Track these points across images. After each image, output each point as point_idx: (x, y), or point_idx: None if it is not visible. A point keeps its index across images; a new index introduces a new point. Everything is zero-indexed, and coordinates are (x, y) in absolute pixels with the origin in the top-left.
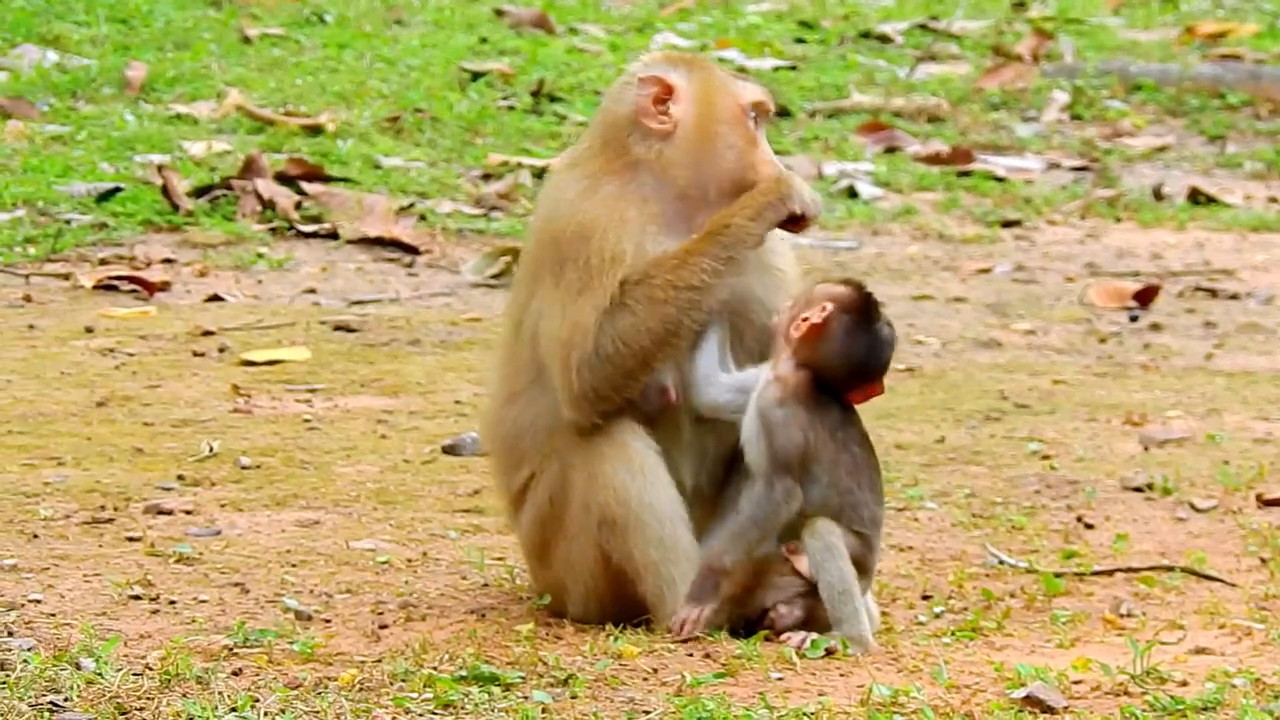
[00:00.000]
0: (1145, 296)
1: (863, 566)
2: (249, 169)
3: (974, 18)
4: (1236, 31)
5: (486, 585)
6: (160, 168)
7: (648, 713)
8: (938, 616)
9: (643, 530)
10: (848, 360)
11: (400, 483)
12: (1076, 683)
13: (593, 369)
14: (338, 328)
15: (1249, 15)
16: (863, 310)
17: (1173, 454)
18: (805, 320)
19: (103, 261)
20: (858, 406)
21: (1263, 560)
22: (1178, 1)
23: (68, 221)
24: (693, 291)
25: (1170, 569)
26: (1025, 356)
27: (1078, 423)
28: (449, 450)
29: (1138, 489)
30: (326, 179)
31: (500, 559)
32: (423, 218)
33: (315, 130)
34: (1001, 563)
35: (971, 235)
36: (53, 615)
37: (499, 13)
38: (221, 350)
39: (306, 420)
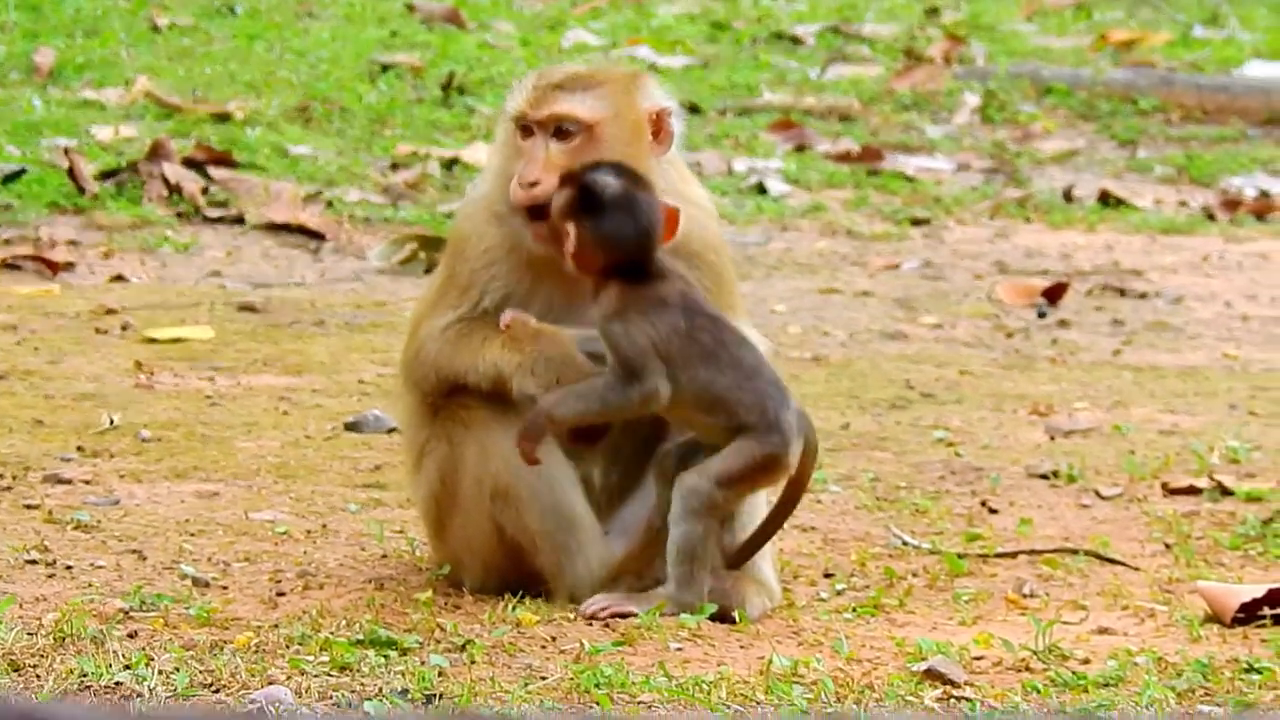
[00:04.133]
0: (1054, 294)
1: (776, 463)
2: (156, 153)
3: (886, 22)
4: (1149, 40)
5: (385, 556)
6: (66, 150)
7: (545, 678)
8: (840, 594)
9: (535, 500)
10: (624, 246)
11: (302, 457)
12: (978, 658)
13: (410, 368)
14: (242, 308)
15: (1161, 25)
16: (592, 200)
17: (1078, 444)
18: (569, 251)
19: (6, 242)
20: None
21: (1167, 546)
22: (1090, 10)
23: None
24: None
25: (1074, 552)
26: (932, 349)
27: (984, 412)
28: (351, 427)
29: (1043, 476)
30: (234, 165)
31: (400, 532)
32: (330, 205)
33: (223, 118)
34: (904, 544)
35: (880, 232)
36: None
37: (410, 7)
38: (124, 328)
39: (208, 396)
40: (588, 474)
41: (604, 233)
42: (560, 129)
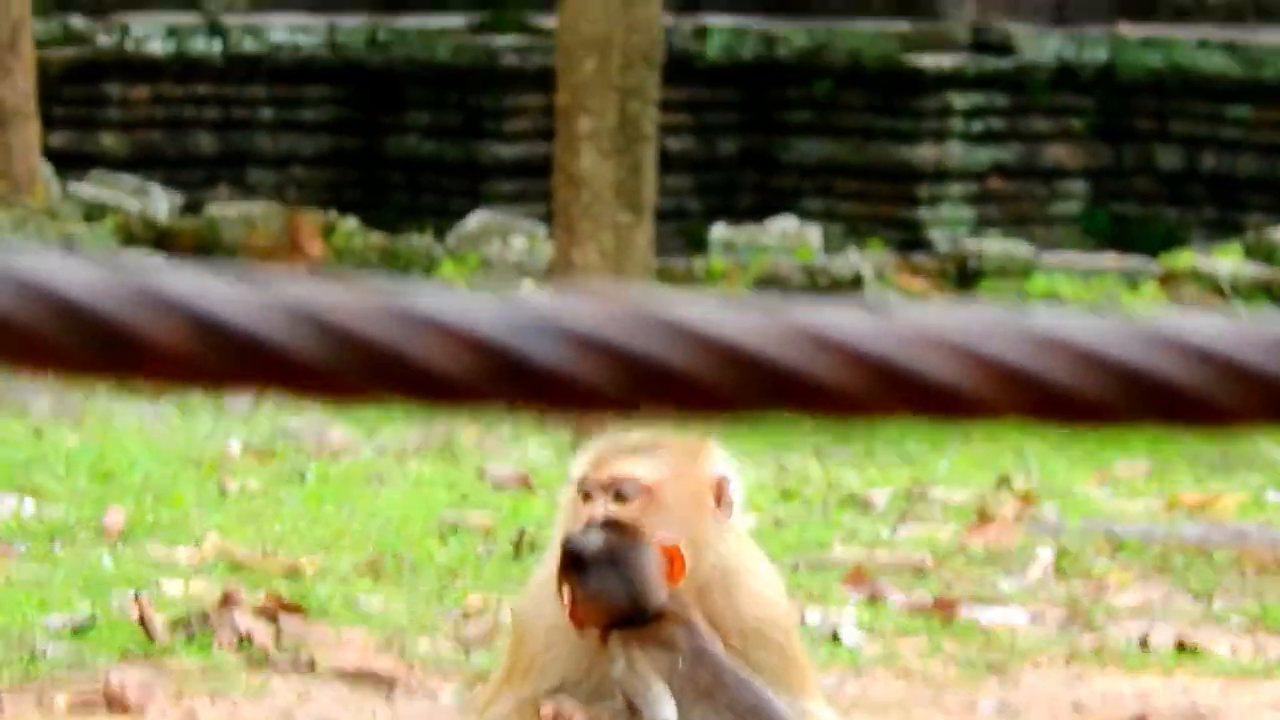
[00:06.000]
0: None
1: None
2: (226, 603)
3: (957, 488)
4: (1222, 502)
5: None
6: (136, 597)
7: None
8: None
9: None
10: (616, 602)
11: None
12: None
13: None
14: None
15: (1234, 488)
16: (576, 560)
17: None
18: (567, 611)
19: (76, 690)
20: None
21: None
22: (1161, 475)
23: (44, 651)
24: None
25: None
26: None
27: None
28: None
29: None
30: (304, 615)
31: None
32: (401, 653)
33: (294, 573)
34: None
35: (954, 677)
36: None
37: (480, 473)
38: None
39: None
40: None
41: (593, 591)
42: (619, 492)
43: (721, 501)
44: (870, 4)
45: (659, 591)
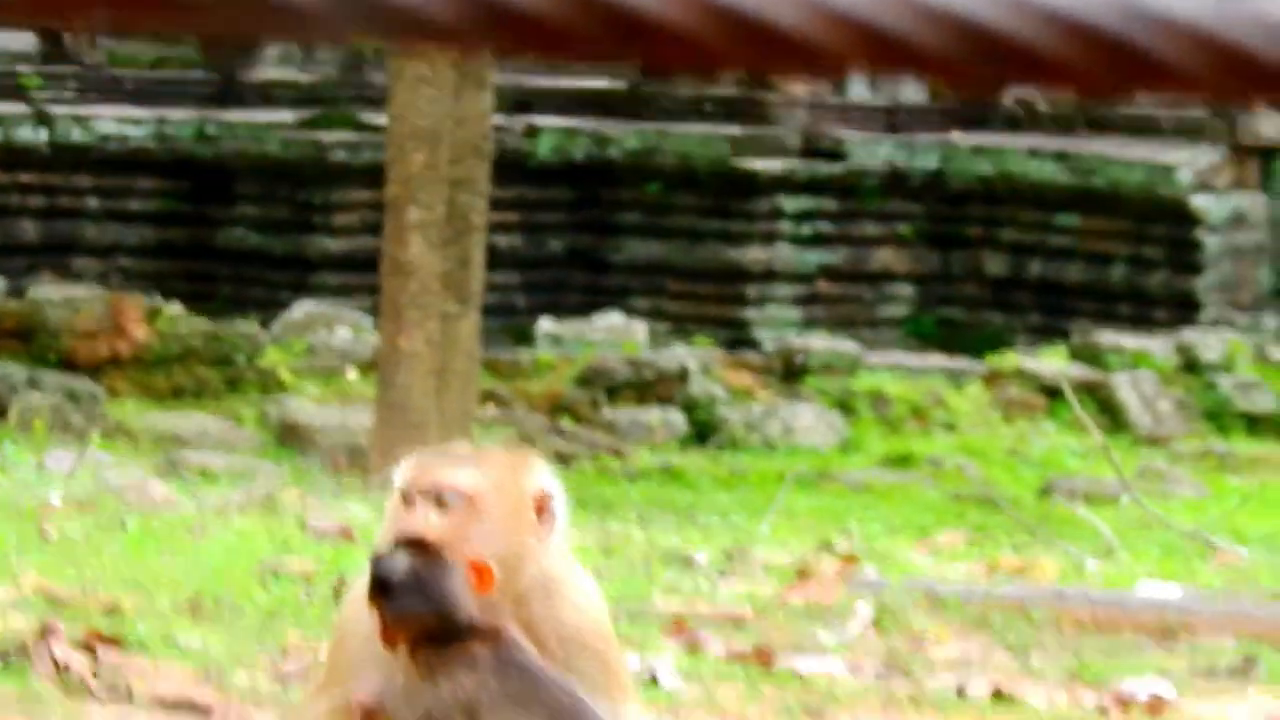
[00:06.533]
0: None
1: None
2: (45, 634)
3: (778, 550)
4: (1041, 567)
5: None
6: None
7: None
8: None
9: None
10: (420, 623)
11: None
12: None
13: None
14: None
15: (1053, 558)
16: (381, 583)
17: None
18: (378, 632)
19: None
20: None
21: None
22: (981, 544)
23: None
24: None
25: None
26: None
27: None
28: None
29: None
30: (123, 648)
31: None
32: (219, 686)
33: (113, 610)
34: None
35: None
36: None
37: (301, 525)
38: None
39: None
40: None
41: (397, 613)
42: (440, 499)
43: (543, 514)
44: (702, 107)
45: (467, 608)
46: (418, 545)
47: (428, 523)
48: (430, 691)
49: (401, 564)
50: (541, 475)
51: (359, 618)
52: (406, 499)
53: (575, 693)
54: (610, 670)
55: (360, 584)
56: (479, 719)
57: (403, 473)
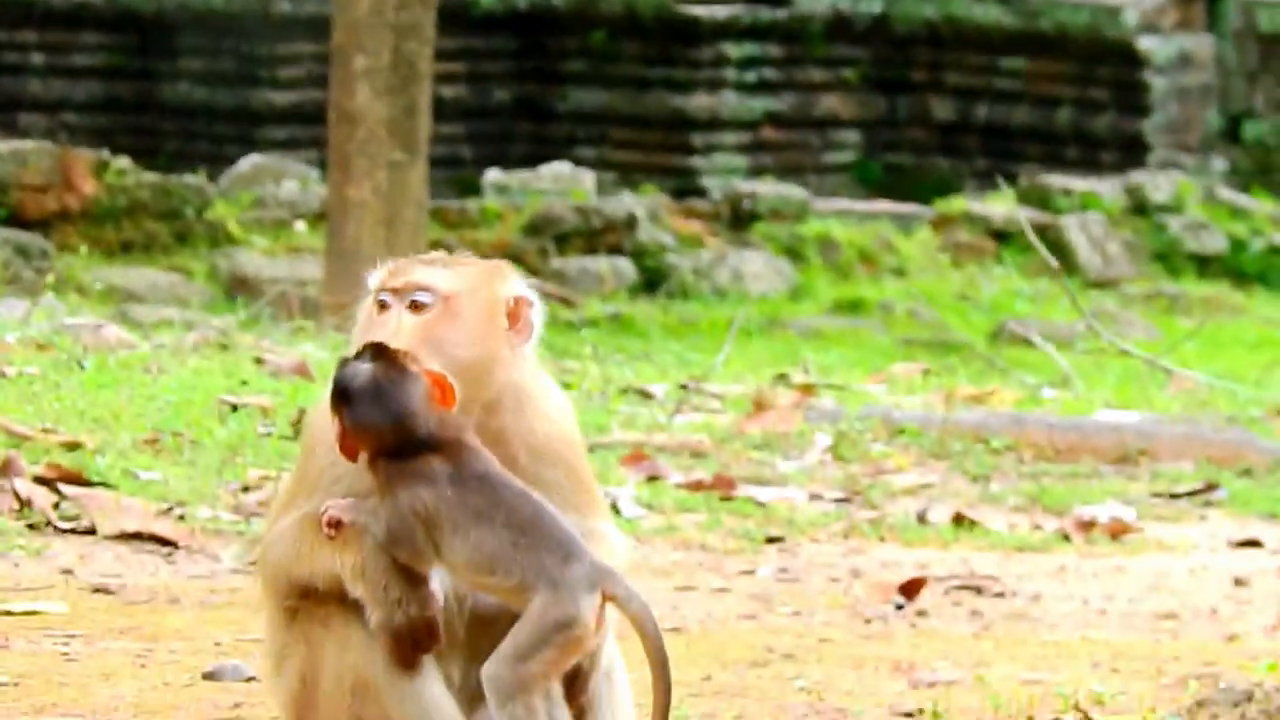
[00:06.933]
0: (910, 589)
1: (568, 623)
2: (6, 469)
3: (733, 384)
4: (998, 395)
5: None
6: None
7: None
8: None
9: (396, 691)
10: (377, 433)
11: (161, 699)
12: None
13: (261, 571)
14: (96, 590)
15: (1009, 387)
16: (342, 390)
17: (941, 692)
18: (337, 439)
19: None
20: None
21: None
22: (937, 374)
23: None
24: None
25: None
26: (791, 624)
27: (845, 669)
28: (209, 676)
29: (908, 714)
30: (85, 484)
31: None
32: (181, 518)
33: (73, 447)
34: None
35: (734, 547)
36: None
37: (258, 361)
38: None
39: (65, 654)
40: (448, 674)
41: (356, 421)
42: (415, 301)
43: (518, 321)
44: None
45: (426, 420)
46: (381, 354)
47: (399, 328)
48: (389, 504)
49: (363, 372)
50: (517, 283)
51: (328, 427)
52: (381, 304)
53: (539, 504)
54: (580, 482)
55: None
56: (438, 531)
57: (377, 275)
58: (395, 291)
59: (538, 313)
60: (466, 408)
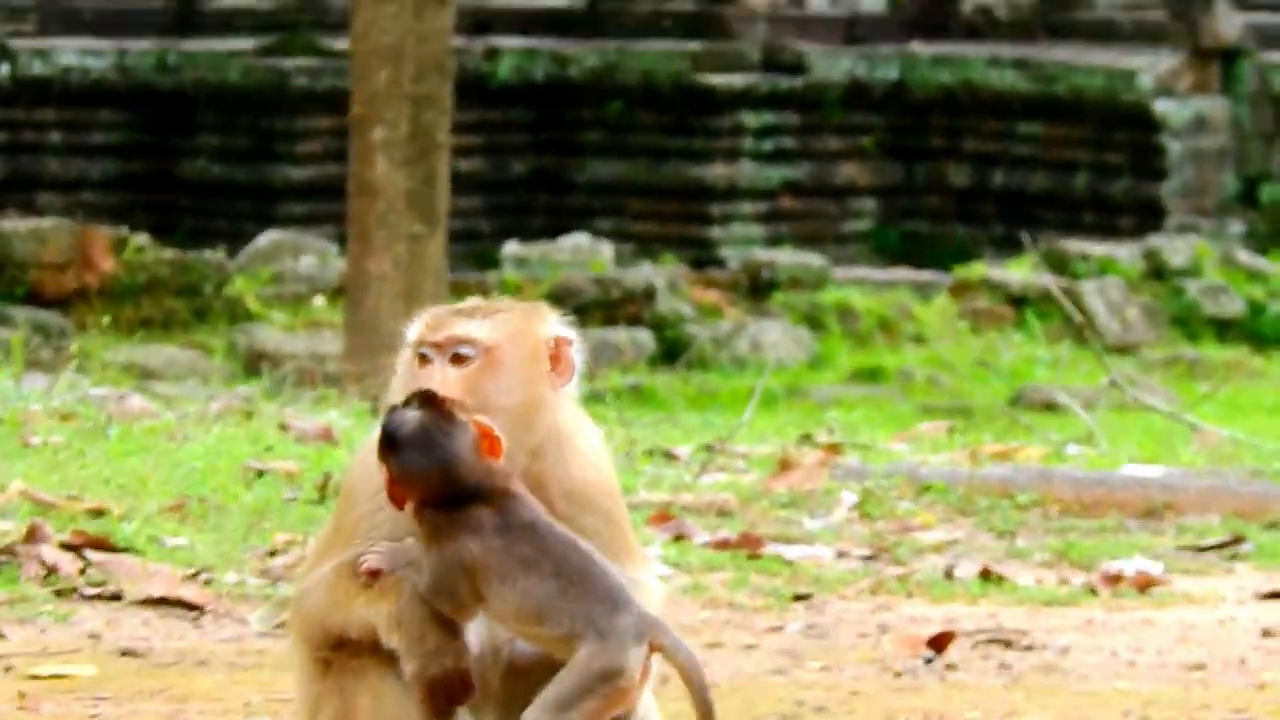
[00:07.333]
0: (940, 643)
1: (613, 674)
2: (32, 536)
3: (759, 444)
4: (1024, 452)
5: None
6: None
7: None
8: None
9: None
10: (425, 482)
11: None
12: None
13: (294, 620)
14: (124, 653)
15: (1034, 444)
16: (389, 439)
17: None
18: (386, 488)
19: None
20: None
21: None
22: (963, 432)
23: None
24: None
25: None
26: (821, 678)
27: None
28: None
29: None
30: (111, 550)
31: None
32: (208, 583)
33: (99, 513)
34: None
35: (762, 605)
36: None
37: (283, 427)
38: (7, 669)
39: (94, 715)
40: None
41: (403, 468)
42: (458, 354)
43: (560, 362)
44: (661, 24)
45: (474, 470)
46: (430, 402)
47: (443, 379)
48: (435, 553)
49: (412, 419)
50: (555, 323)
51: (368, 474)
52: (422, 357)
53: (588, 553)
54: (618, 529)
55: (371, 441)
56: (484, 581)
57: (415, 329)
58: (437, 346)
59: (578, 351)
60: (512, 455)
